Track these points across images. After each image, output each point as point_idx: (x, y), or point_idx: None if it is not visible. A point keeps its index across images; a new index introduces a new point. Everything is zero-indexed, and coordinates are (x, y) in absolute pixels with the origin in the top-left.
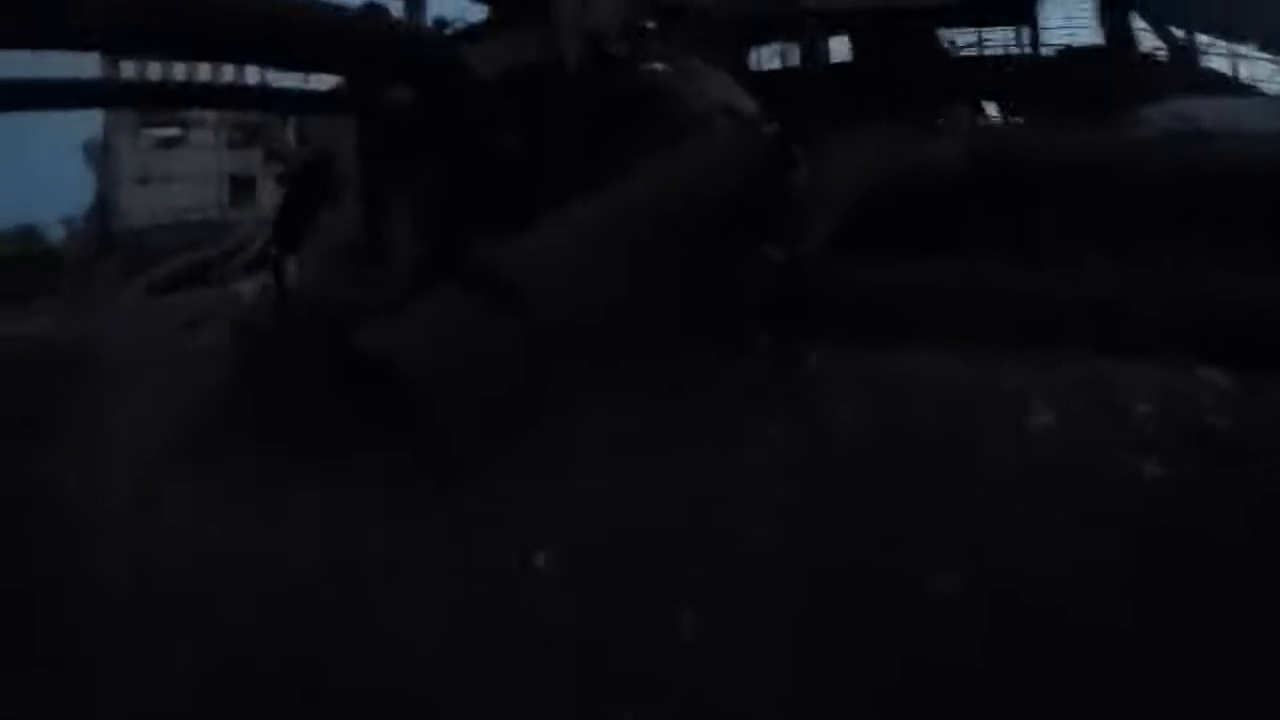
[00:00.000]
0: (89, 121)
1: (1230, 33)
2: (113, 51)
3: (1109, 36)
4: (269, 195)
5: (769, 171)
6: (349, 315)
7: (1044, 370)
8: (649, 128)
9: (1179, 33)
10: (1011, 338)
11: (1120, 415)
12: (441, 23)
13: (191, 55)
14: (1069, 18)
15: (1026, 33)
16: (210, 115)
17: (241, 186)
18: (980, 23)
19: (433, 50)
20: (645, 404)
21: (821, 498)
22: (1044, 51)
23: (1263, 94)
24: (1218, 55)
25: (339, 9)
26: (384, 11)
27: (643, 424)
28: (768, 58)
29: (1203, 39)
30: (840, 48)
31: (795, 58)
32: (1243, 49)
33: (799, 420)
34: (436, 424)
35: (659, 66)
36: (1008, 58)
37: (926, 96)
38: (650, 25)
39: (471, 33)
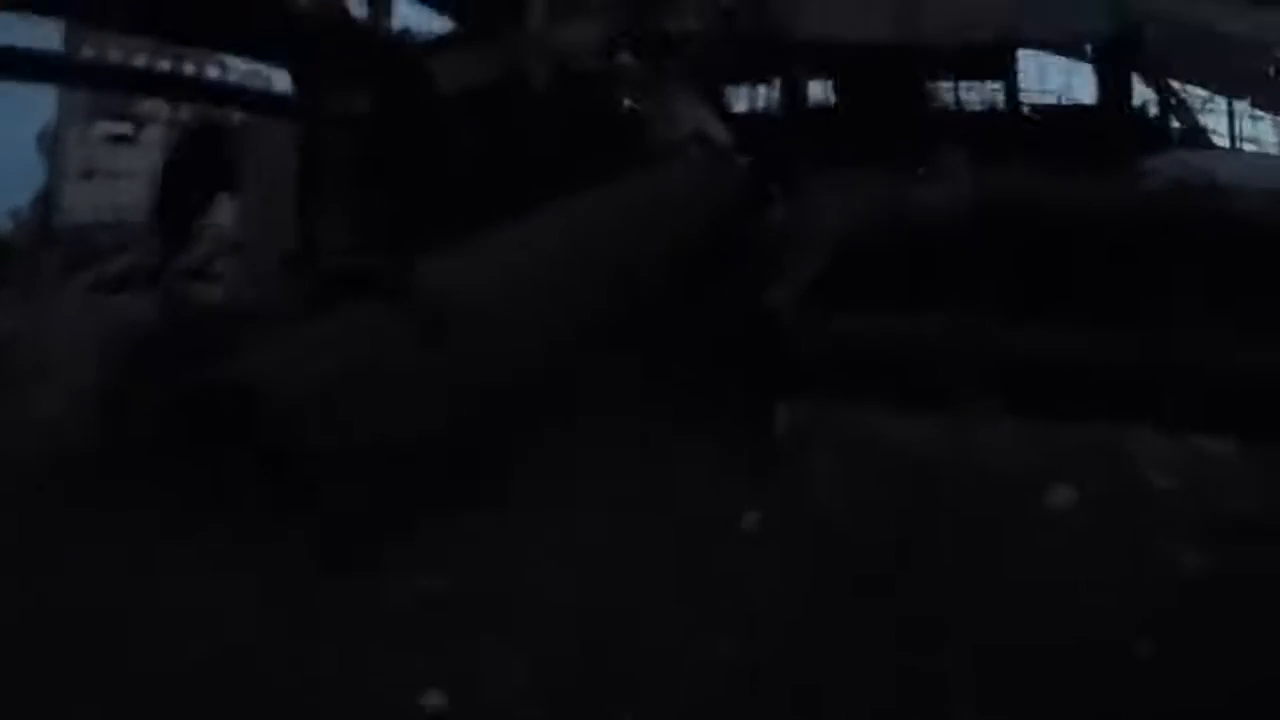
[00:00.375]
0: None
1: (1226, 90)
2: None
3: (1107, 93)
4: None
5: (743, 207)
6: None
7: (1052, 441)
8: (615, 152)
9: (1176, 88)
10: (1013, 401)
11: (1141, 494)
12: (408, 33)
13: (138, 29)
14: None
15: (1008, 87)
16: (165, 113)
17: None
18: (980, 73)
19: (394, 57)
20: (593, 475)
21: (801, 601)
22: (1040, 104)
23: (1263, 151)
24: (1215, 112)
25: None
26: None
27: (589, 503)
28: (751, 92)
29: (1200, 94)
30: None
31: (778, 94)
32: (1238, 106)
33: (774, 499)
34: (313, 491)
35: (630, 89)
36: (1007, 108)
37: (919, 140)
38: (625, 47)
39: (437, 44)
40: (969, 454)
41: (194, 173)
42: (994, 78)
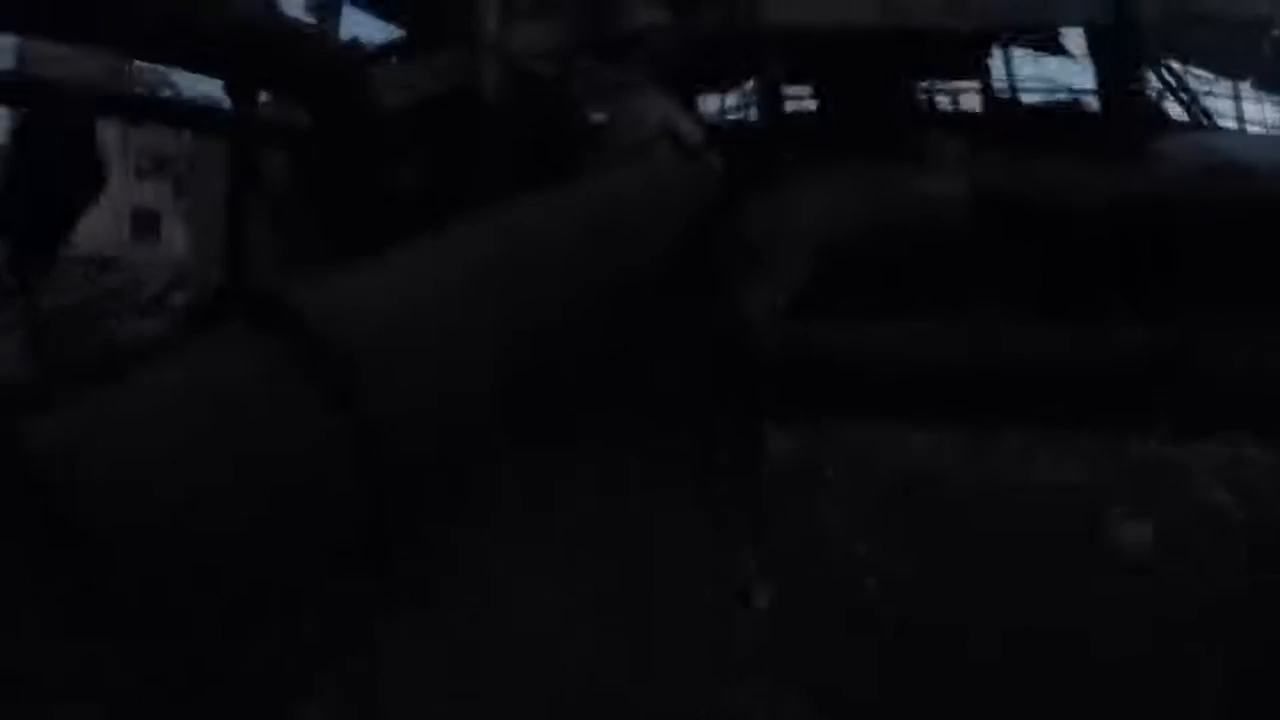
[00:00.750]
0: None
1: (1227, 71)
2: None
3: (1106, 77)
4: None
5: (717, 207)
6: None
7: (1089, 458)
8: (577, 158)
9: (1177, 70)
10: (1034, 413)
11: (1198, 511)
12: (356, 43)
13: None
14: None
15: (1001, 74)
16: (117, 139)
17: (145, 221)
18: (969, 59)
19: (336, 69)
20: (544, 539)
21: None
22: (1036, 90)
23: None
24: (1216, 94)
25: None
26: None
27: (538, 582)
28: (723, 87)
29: (1202, 76)
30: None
31: (752, 88)
32: (1241, 86)
33: (773, 545)
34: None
35: (591, 92)
36: (1001, 95)
37: (908, 131)
38: (585, 48)
39: (384, 53)
40: (1004, 479)
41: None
42: (985, 64)
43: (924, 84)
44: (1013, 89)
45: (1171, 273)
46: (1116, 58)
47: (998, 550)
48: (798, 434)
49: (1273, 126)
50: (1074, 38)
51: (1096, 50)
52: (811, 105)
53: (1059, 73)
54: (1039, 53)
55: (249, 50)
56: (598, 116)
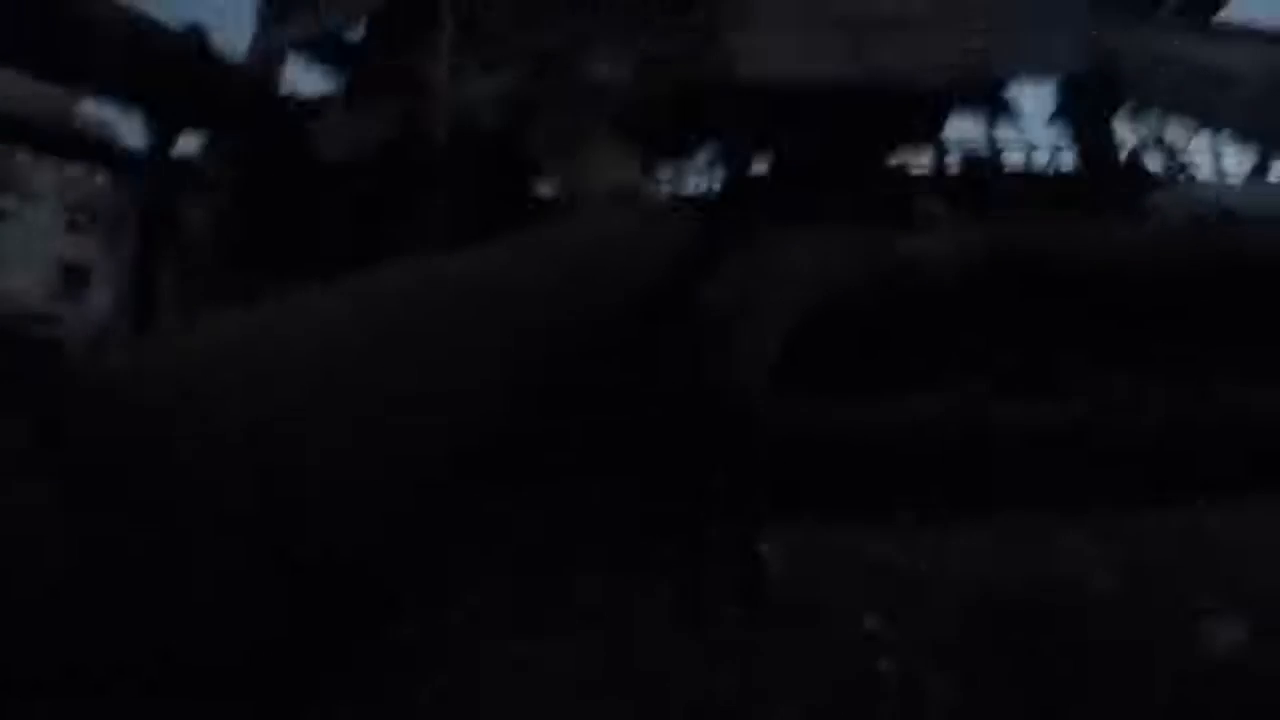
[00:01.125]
0: None
1: (1208, 122)
2: None
3: (1086, 130)
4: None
5: (683, 272)
6: None
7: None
8: (530, 211)
9: (1153, 124)
10: (1061, 494)
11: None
12: (296, 94)
13: None
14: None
15: (980, 129)
16: (52, 189)
17: (76, 276)
18: (947, 114)
19: (274, 120)
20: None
21: None
22: (1018, 145)
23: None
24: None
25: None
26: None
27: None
28: (691, 144)
29: (1180, 128)
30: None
31: (722, 144)
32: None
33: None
34: None
35: (545, 142)
36: (982, 151)
37: (886, 189)
38: (542, 100)
39: (327, 104)
40: (1051, 579)
41: None
42: (963, 118)
43: (900, 140)
44: (992, 145)
45: (1189, 329)
46: (1093, 111)
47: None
48: (804, 542)
49: (1246, 175)
50: (1045, 93)
51: (1072, 104)
52: (784, 162)
53: (1035, 127)
54: (1010, 109)
55: (179, 91)
56: (556, 169)
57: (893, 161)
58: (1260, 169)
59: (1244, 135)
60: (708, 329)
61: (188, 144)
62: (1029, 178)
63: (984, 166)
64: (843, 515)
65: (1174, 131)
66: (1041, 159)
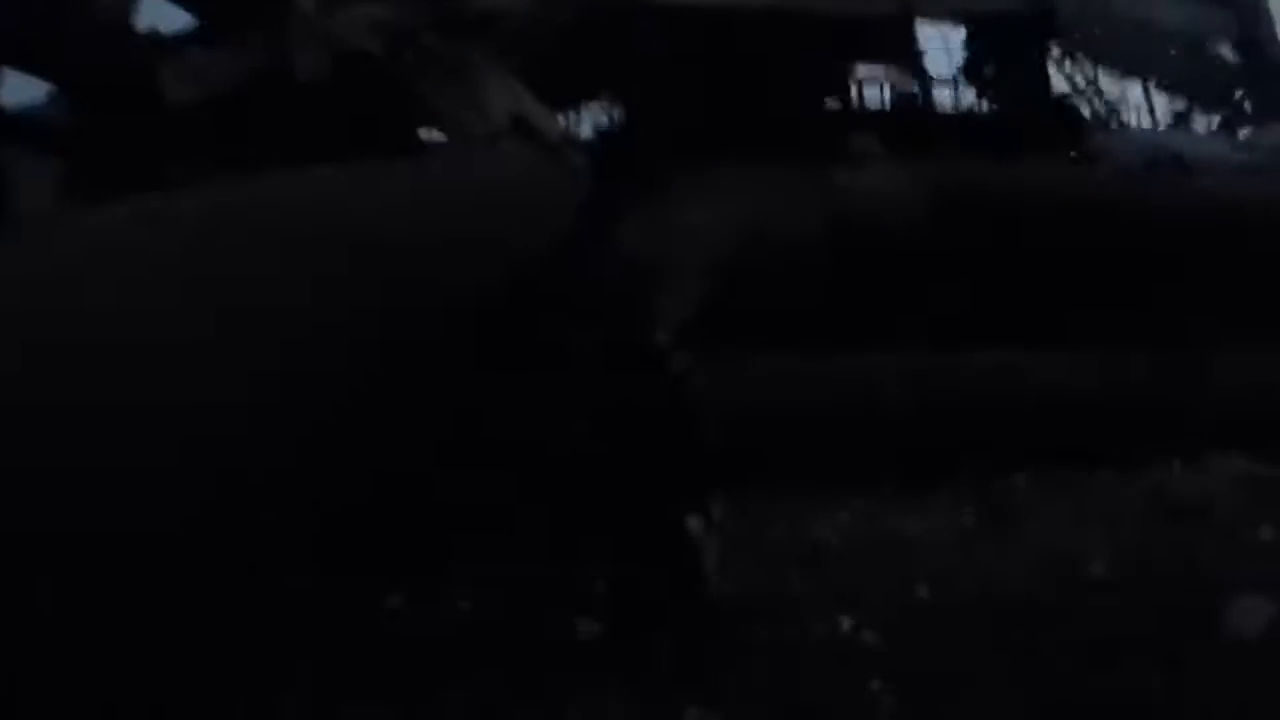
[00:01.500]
0: None
1: (1137, 72)
2: None
3: (1020, 73)
4: None
5: (587, 219)
6: None
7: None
8: (409, 149)
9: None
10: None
11: None
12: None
13: None
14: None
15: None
16: None
17: None
18: (876, 50)
19: (107, 58)
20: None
21: None
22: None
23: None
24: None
25: None
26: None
27: None
28: (594, 77)
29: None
30: None
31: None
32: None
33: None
34: None
35: (427, 77)
36: (914, 89)
37: (812, 127)
38: (425, 28)
39: (185, 40)
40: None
41: None
42: (893, 55)
43: (828, 75)
44: (924, 84)
45: (1148, 280)
46: (1030, 51)
47: None
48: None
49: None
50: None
51: (1007, 43)
52: (699, 98)
53: (968, 69)
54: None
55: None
56: (440, 103)
57: (821, 98)
58: (1185, 119)
59: (1171, 87)
60: (611, 286)
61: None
62: (962, 118)
63: (918, 106)
64: (787, 491)
65: (1104, 81)
66: (972, 100)
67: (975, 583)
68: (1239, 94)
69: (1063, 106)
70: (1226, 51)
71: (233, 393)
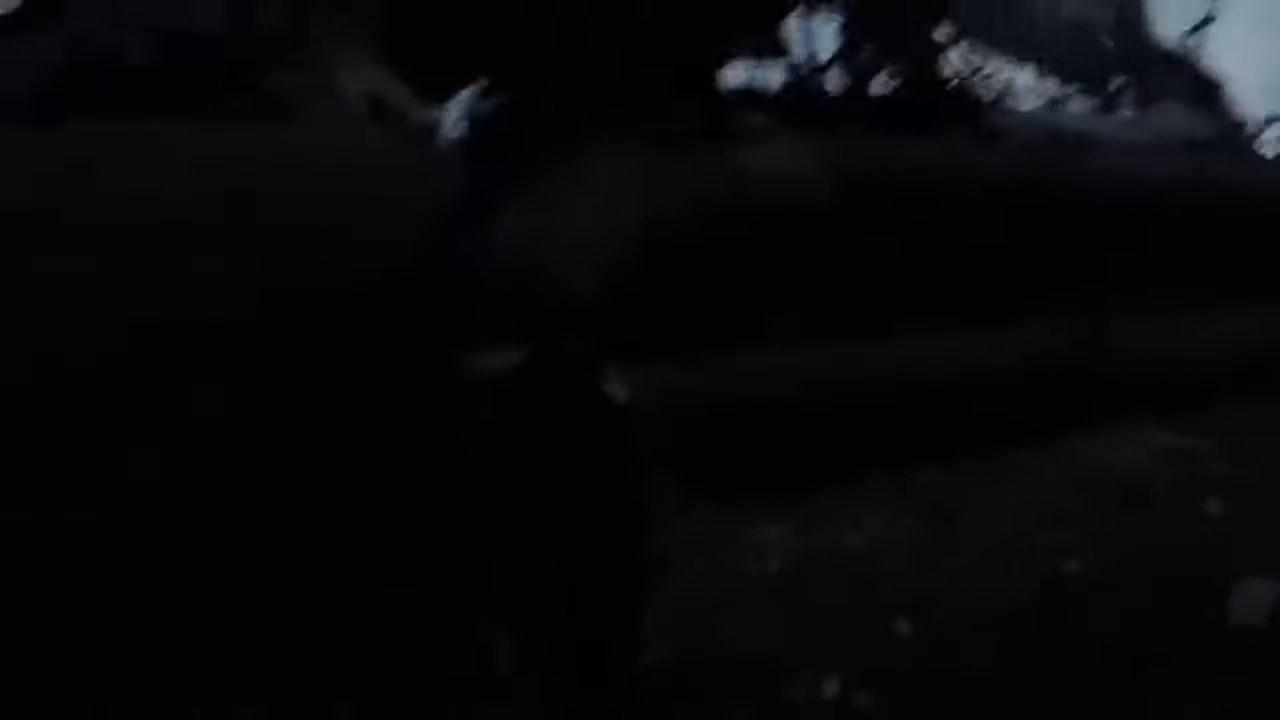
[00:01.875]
0: None
1: (1028, 56)
2: None
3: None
4: None
5: (457, 213)
6: None
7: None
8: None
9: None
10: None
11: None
12: None
13: None
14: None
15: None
16: None
17: None
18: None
19: None
20: None
21: None
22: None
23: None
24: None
25: None
26: None
27: None
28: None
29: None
30: None
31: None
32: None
33: None
34: None
35: (267, 53)
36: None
37: (703, 107)
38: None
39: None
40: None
41: None
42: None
43: (712, 49)
44: (810, 60)
45: (1055, 254)
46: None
47: None
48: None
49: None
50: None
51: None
52: (577, 76)
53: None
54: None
55: None
56: (284, 83)
57: (702, 74)
58: (1064, 101)
59: (1055, 69)
60: (494, 283)
61: None
62: (851, 96)
63: (804, 82)
64: (705, 501)
65: (991, 62)
66: (862, 77)
67: (955, 600)
68: (1120, 79)
69: (961, 86)
70: (1106, 39)
71: None
